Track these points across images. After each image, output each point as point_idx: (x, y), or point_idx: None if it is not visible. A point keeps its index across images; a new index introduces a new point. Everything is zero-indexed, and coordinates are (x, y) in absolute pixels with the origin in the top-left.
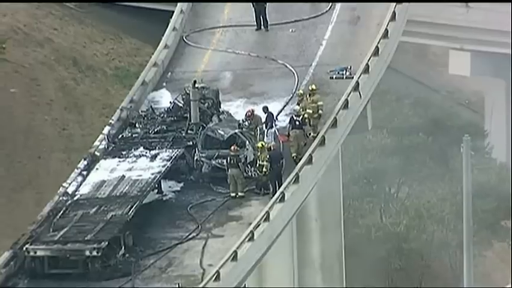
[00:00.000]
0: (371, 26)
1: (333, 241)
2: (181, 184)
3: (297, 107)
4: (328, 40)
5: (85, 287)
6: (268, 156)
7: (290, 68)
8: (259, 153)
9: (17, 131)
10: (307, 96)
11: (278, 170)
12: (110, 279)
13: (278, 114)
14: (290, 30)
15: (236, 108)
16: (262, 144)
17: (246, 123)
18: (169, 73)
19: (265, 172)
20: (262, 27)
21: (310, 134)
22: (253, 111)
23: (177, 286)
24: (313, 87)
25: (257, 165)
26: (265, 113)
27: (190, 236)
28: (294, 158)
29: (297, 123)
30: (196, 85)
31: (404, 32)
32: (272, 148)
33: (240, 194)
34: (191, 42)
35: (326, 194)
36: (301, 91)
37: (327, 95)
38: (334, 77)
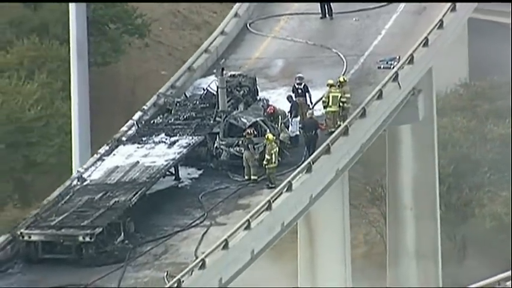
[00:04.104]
0: (434, 17)
1: (429, 230)
2: (200, 171)
3: (301, 75)
4: (388, 30)
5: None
6: (302, 125)
7: (342, 56)
8: (267, 145)
9: None
10: (337, 87)
11: (312, 139)
12: (104, 266)
13: (316, 103)
14: (354, 19)
15: (277, 96)
16: (270, 136)
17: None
18: (223, 60)
19: (265, 165)
20: (327, 15)
21: (338, 123)
22: (274, 108)
23: (165, 274)
24: (342, 79)
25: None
26: (289, 102)
27: (193, 224)
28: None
29: (299, 91)
30: (233, 73)
31: None
32: (308, 116)
33: (253, 177)
34: (255, 29)
35: (421, 183)
36: (331, 81)
37: (370, 85)
38: (382, 67)
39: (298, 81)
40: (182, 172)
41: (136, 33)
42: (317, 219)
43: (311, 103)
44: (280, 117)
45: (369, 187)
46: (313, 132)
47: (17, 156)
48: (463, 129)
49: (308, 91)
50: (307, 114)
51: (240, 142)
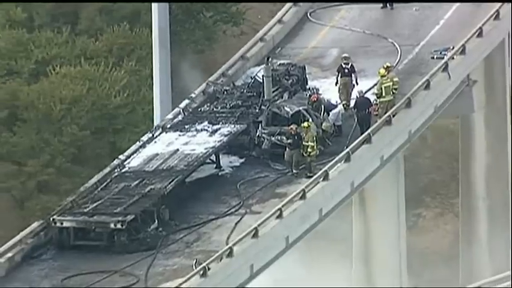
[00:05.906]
0: (493, 8)
1: (502, 220)
2: (242, 160)
3: (346, 55)
4: (446, 20)
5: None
6: (355, 104)
7: (397, 46)
8: (304, 134)
9: None
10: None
11: (365, 118)
12: (135, 253)
13: (366, 92)
14: (414, 8)
15: (328, 86)
16: (308, 124)
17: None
18: (279, 48)
19: (309, 153)
20: (387, 5)
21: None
22: (317, 96)
23: (194, 262)
24: (388, 64)
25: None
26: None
27: (228, 212)
28: (345, 106)
29: (346, 70)
30: (282, 61)
31: None
32: (360, 96)
33: (294, 170)
34: (315, 18)
35: (494, 173)
36: (383, 71)
37: (421, 74)
38: (435, 57)
39: (345, 61)
40: (224, 160)
41: (230, 21)
42: (372, 206)
43: (357, 83)
44: (323, 106)
45: (454, 177)
46: (367, 111)
47: (103, 143)
48: None
49: (354, 71)
50: (357, 93)
51: (282, 131)
